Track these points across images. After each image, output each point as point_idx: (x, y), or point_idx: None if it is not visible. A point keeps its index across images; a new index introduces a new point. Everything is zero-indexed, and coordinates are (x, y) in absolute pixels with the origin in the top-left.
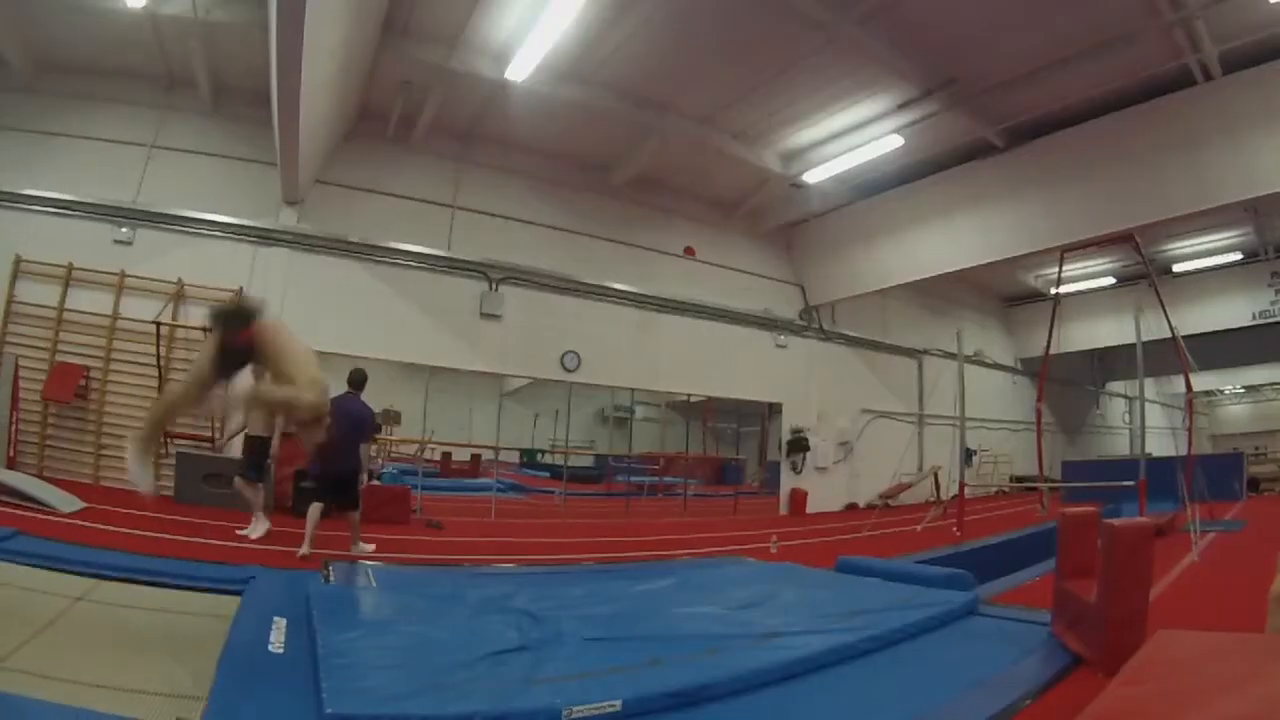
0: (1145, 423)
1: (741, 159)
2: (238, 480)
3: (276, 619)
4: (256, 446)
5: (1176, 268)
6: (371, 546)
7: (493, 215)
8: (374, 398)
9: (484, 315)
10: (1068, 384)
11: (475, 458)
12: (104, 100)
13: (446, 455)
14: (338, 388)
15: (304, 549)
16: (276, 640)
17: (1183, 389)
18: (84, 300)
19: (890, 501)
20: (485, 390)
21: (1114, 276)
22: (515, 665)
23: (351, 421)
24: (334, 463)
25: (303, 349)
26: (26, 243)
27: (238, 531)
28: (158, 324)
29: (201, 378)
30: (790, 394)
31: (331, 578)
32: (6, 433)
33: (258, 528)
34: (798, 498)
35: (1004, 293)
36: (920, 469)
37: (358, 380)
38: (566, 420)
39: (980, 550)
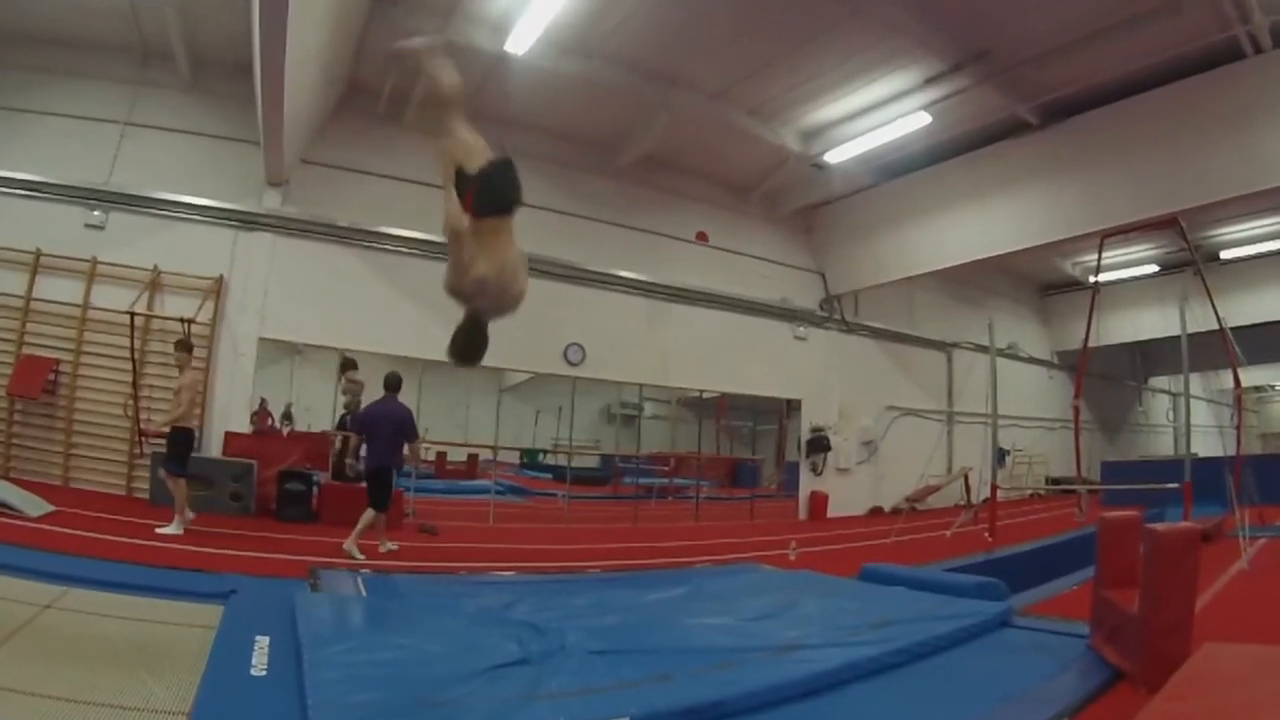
0: (1190, 420)
1: (758, 137)
2: (161, 472)
3: (259, 638)
4: (181, 437)
5: (1224, 254)
6: (363, 556)
7: None
8: (363, 391)
9: None
10: (1108, 379)
11: (472, 458)
12: (73, 74)
13: (441, 455)
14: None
15: (385, 545)
16: (259, 663)
17: (1230, 384)
18: (53, 289)
19: (917, 505)
20: (483, 386)
21: (1157, 264)
22: (515, 680)
23: (391, 424)
24: (370, 460)
25: None
26: None
27: (157, 529)
28: (132, 314)
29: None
30: (810, 389)
31: (319, 586)
32: None
33: (178, 525)
34: (818, 501)
35: (1040, 281)
36: (949, 470)
37: (393, 383)
38: (570, 418)
39: (1014, 557)
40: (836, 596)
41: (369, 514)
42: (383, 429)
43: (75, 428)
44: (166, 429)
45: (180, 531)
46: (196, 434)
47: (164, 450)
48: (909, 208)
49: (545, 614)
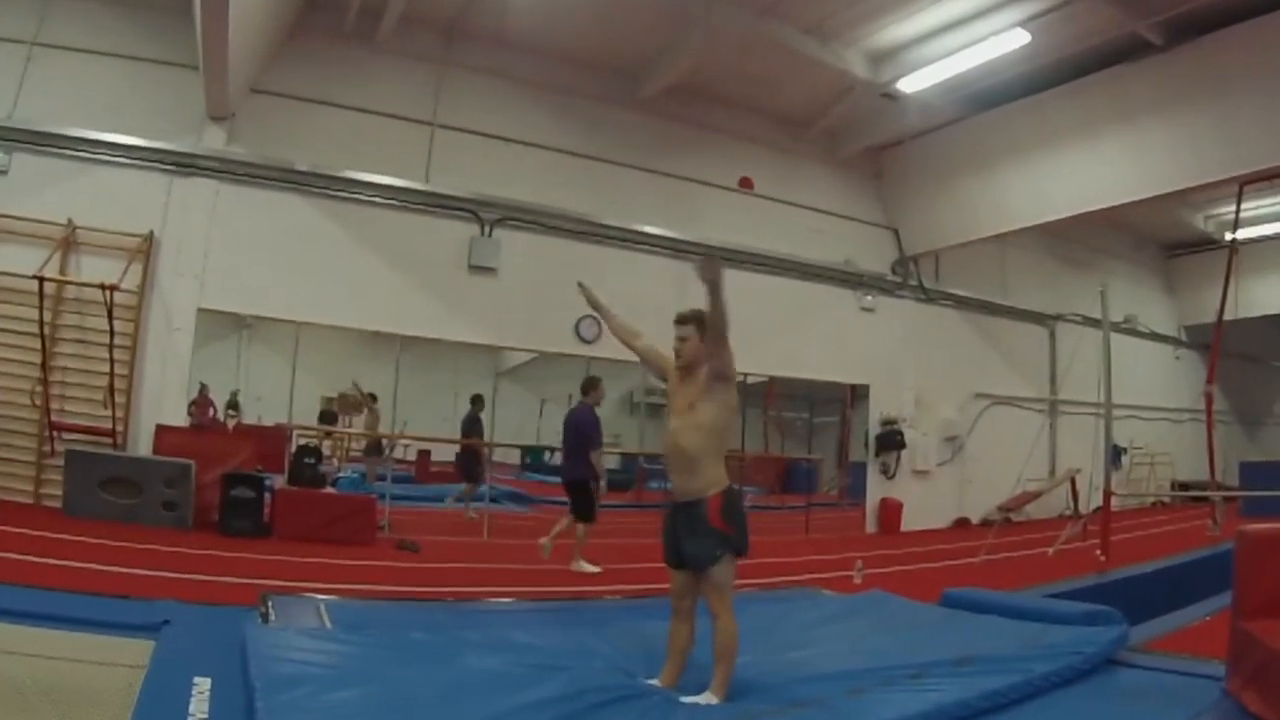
0: None
1: (815, 60)
2: None
3: (198, 680)
4: None
5: None
6: (596, 569)
7: (485, 135)
8: (329, 376)
9: (474, 268)
10: (1248, 360)
11: None
12: None
13: (424, 455)
14: None
15: (579, 564)
16: (198, 711)
17: None
18: None
19: (1013, 516)
20: (475, 368)
21: None
22: None
23: (573, 431)
24: (564, 473)
25: None
26: None
27: None
28: (41, 279)
29: None
30: (880, 373)
31: (272, 617)
32: None
33: None
34: (890, 511)
35: (1164, 239)
36: (1052, 473)
37: (585, 386)
38: None
39: (1132, 580)
40: (914, 628)
41: (579, 529)
42: (568, 437)
43: None
44: None
45: None
46: None
47: None
48: (1003, 147)
49: (552, 649)
